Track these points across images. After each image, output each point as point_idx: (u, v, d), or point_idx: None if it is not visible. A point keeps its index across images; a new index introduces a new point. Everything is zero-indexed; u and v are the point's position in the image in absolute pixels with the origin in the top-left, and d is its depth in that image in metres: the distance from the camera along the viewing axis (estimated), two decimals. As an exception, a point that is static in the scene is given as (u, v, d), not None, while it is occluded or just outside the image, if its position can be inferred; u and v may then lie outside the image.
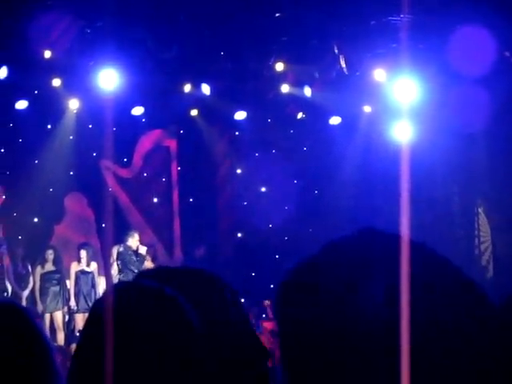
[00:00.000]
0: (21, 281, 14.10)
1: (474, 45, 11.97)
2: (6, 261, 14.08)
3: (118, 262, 13.93)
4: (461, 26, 12.08)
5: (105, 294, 1.90)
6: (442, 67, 13.02)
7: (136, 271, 13.65)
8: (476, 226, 15.19)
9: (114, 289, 1.85)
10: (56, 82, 14.30)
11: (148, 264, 14.36)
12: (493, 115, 13.91)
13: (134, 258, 13.90)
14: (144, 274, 2.25)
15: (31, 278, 14.16)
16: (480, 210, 15.16)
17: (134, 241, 14.10)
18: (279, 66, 14.36)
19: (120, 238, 14.08)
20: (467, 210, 15.28)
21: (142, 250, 14.14)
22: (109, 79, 13.27)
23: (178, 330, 1.74)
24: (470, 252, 15.24)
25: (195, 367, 1.73)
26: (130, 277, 13.32)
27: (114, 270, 14.06)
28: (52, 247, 14.60)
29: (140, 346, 1.71)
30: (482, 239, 15.13)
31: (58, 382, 1.97)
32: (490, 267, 14.78)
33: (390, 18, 12.58)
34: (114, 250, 14.03)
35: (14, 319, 2.01)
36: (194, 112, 16.25)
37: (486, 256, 14.97)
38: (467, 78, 12.60)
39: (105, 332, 1.68)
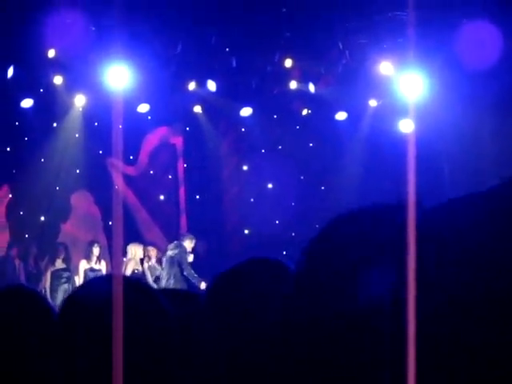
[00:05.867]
0: (31, 280, 14.12)
1: (480, 39, 11.92)
2: (17, 260, 14.12)
3: (167, 260, 13.63)
4: (467, 20, 12.03)
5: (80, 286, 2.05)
6: (448, 62, 12.97)
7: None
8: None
9: (94, 281, 2.02)
10: (61, 80, 14.32)
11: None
12: (500, 110, 13.86)
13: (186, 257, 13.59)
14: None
15: (42, 277, 14.19)
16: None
17: (189, 244, 13.93)
18: (285, 62, 14.34)
19: (129, 236, 14.07)
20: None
21: (190, 257, 13.85)
22: (115, 77, 13.27)
23: (153, 319, 1.89)
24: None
25: (166, 352, 1.88)
26: (178, 276, 13.20)
27: (151, 266, 13.95)
28: (63, 245, 14.60)
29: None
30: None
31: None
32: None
33: (395, 12, 12.54)
34: (171, 247, 13.80)
35: (35, 302, 2.29)
36: (199, 109, 16.25)
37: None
38: (474, 73, 12.56)
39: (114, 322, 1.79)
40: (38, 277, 14.22)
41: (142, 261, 14.09)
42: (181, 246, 13.64)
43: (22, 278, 13.95)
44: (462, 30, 12.19)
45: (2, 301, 2.24)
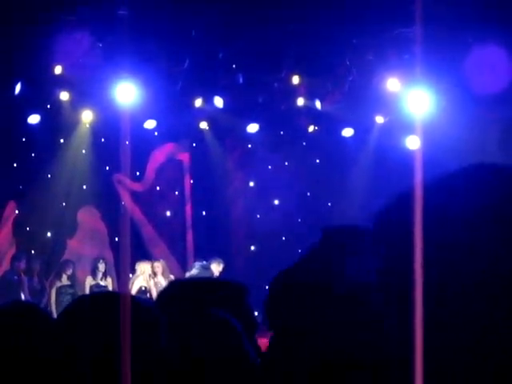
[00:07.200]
0: (35, 295, 14.11)
1: (488, 62, 11.93)
2: (22, 275, 14.10)
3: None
4: (476, 40, 12.04)
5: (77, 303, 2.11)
6: (456, 79, 12.98)
7: None
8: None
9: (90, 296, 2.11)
10: (68, 96, 14.36)
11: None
12: (506, 127, 13.85)
13: None
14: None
15: (46, 293, 14.17)
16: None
17: (217, 267, 13.85)
18: (292, 79, 14.37)
19: (136, 252, 14.05)
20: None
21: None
22: (122, 93, 13.31)
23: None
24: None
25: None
26: None
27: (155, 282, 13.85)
28: (71, 261, 14.61)
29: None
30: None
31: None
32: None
33: (402, 29, 12.57)
34: (197, 266, 13.65)
35: (36, 319, 2.27)
36: (206, 125, 16.27)
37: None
38: (481, 92, 12.56)
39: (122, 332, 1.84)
40: (41, 293, 14.20)
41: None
42: (208, 268, 13.61)
43: (26, 293, 13.94)
44: (470, 50, 12.20)
45: (5, 316, 2.25)
